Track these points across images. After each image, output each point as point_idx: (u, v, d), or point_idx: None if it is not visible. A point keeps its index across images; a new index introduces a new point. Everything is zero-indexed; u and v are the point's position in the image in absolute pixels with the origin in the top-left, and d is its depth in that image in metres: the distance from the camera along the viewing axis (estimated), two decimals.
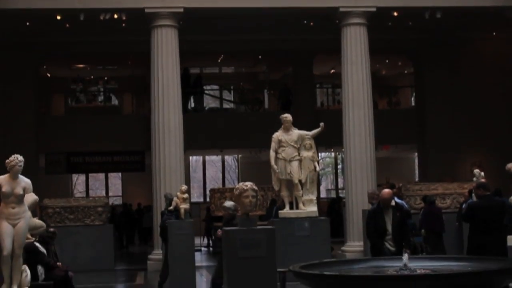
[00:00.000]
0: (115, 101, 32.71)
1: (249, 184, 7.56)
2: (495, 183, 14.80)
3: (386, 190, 11.15)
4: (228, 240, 7.19)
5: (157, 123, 19.09)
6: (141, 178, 29.82)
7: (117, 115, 29.84)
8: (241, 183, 7.63)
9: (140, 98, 29.96)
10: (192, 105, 29.83)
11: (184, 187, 14.88)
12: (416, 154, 31.45)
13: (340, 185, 35.04)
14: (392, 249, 10.63)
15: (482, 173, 16.44)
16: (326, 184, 40.56)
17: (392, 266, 8.01)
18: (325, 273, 7.64)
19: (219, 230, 11.76)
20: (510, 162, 15.11)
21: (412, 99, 31.41)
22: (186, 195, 14.54)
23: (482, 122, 25.92)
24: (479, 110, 25.96)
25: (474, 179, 16.55)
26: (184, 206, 14.41)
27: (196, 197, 34.11)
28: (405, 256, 7.80)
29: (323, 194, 35.11)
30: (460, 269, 7.86)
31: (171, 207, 15.04)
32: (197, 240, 24.43)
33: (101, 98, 32.51)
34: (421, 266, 7.99)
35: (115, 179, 35.33)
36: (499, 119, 25.61)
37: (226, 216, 11.71)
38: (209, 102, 33.00)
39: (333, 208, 28.27)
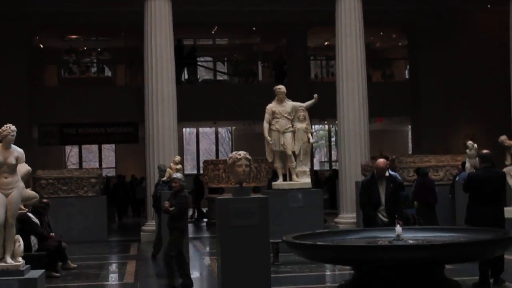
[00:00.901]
0: (108, 73, 32.58)
1: (242, 153, 7.52)
2: None
3: (382, 160, 11.18)
4: (221, 209, 7.18)
5: (150, 94, 19.01)
6: (134, 150, 29.77)
7: (111, 87, 29.70)
8: (234, 152, 7.58)
9: (133, 70, 29.79)
10: (186, 76, 29.74)
11: (177, 158, 14.86)
12: (409, 126, 31.47)
13: (334, 157, 35.07)
14: (385, 220, 10.65)
15: (475, 145, 16.45)
16: (319, 157, 40.58)
17: (385, 237, 8.03)
18: (318, 243, 7.66)
19: (166, 202, 11.66)
20: (502, 135, 15.20)
21: (406, 71, 31.37)
22: (179, 166, 14.52)
23: (475, 94, 25.92)
24: (473, 83, 25.95)
25: (468, 151, 16.57)
26: None
27: (190, 169, 34.09)
28: (398, 227, 7.82)
29: (316, 167, 35.14)
30: (452, 239, 7.89)
31: (165, 178, 15.06)
32: (190, 212, 24.49)
33: (94, 69, 32.36)
34: (414, 237, 8.02)
35: (109, 151, 35.25)
36: (492, 92, 25.58)
37: (176, 187, 11.63)
38: (203, 74, 32.90)
39: (333, 181, 28.13)
